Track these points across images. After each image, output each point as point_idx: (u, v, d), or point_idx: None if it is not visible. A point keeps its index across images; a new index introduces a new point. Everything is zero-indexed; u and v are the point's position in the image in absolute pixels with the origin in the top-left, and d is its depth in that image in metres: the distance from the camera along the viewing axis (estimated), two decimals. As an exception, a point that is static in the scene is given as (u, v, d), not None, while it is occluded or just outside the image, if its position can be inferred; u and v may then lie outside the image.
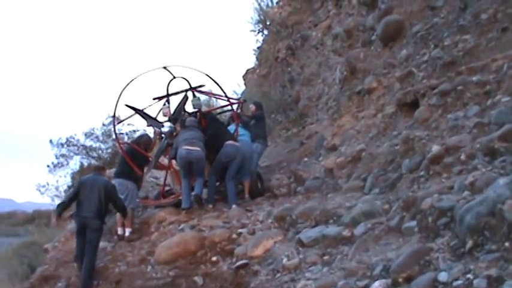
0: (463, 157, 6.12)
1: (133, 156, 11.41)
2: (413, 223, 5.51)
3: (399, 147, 7.90)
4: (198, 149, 10.85)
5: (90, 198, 9.77)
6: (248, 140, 11.79)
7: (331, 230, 6.91)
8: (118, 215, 10.97)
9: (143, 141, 12.08)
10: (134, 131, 22.72)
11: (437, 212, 5.10)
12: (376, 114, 10.26)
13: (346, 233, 6.59)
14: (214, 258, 8.37)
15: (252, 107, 12.62)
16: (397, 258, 4.80)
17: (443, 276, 4.13)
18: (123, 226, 10.96)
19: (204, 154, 10.92)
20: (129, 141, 14.72)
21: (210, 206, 10.70)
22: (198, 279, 8.05)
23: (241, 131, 11.87)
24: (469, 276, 3.93)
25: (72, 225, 13.14)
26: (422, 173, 6.70)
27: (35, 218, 38.69)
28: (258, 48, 22.63)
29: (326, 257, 6.36)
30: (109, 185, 10.09)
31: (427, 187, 6.11)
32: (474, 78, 7.54)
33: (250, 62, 23.59)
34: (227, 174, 11.11)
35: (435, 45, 9.30)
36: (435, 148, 6.64)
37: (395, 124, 9.17)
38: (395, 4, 11.59)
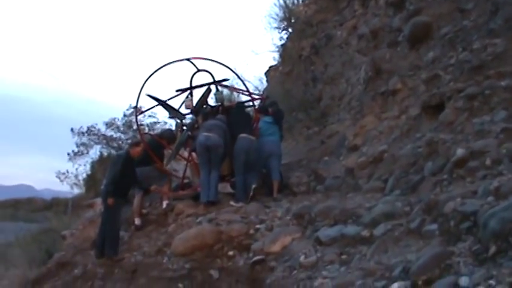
0: (488, 162, 6.04)
1: (154, 148, 11.43)
2: (435, 226, 5.43)
3: (422, 149, 7.81)
4: (216, 135, 10.82)
5: (109, 171, 10.44)
6: (277, 138, 11.68)
7: (350, 229, 6.85)
8: (135, 204, 11.03)
9: (166, 136, 12.13)
10: (155, 122, 22.82)
11: (459, 216, 5.02)
12: (400, 116, 10.16)
13: (365, 233, 6.52)
14: (230, 253, 8.35)
15: (270, 110, 12.40)
16: (417, 260, 4.73)
17: (464, 281, 4.06)
18: (140, 216, 11.00)
19: (221, 141, 10.85)
20: (152, 133, 14.79)
21: (241, 204, 10.46)
22: (214, 273, 8.05)
23: (270, 129, 11.71)
24: (492, 282, 3.85)
25: (89, 213, 13.24)
26: (445, 177, 6.62)
27: (53, 205, 39.04)
28: (281, 45, 22.59)
29: (344, 256, 6.30)
30: (117, 157, 10.70)
31: (450, 191, 6.03)
32: (503, 83, 7.44)
33: (273, 59, 23.53)
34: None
35: (463, 48, 9.19)
36: (460, 152, 6.56)
37: (419, 126, 9.08)
38: (423, 5, 11.46)
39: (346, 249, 6.48)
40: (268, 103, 12.51)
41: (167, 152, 12.35)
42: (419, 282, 4.42)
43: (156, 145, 11.61)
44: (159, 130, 15.18)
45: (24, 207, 43.09)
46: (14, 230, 16.13)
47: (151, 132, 16.78)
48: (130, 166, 10.25)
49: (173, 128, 13.38)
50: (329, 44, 17.60)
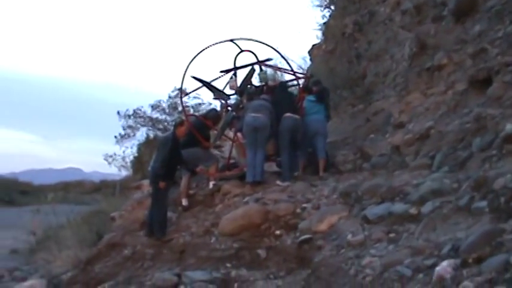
0: (538, 137, 5.94)
1: (199, 129, 11.50)
2: (484, 203, 5.37)
3: (470, 125, 7.70)
4: (263, 116, 10.87)
5: (157, 153, 10.56)
6: (322, 117, 11.66)
7: (398, 207, 6.82)
8: (182, 185, 11.15)
9: (211, 116, 12.17)
10: (200, 103, 22.94)
11: (510, 193, 4.96)
12: (446, 91, 10.01)
13: (413, 210, 6.48)
14: (278, 232, 8.40)
15: (313, 88, 12.33)
16: (467, 238, 4.70)
17: (516, 259, 4.02)
18: (187, 197, 11.12)
19: (268, 122, 10.88)
20: (196, 114, 14.91)
21: (287, 183, 10.49)
22: (262, 252, 8.10)
23: (315, 107, 11.69)
24: (544, 259, 3.81)
25: (137, 194, 13.42)
26: (494, 152, 6.53)
27: (102, 187, 39.80)
28: (324, 23, 22.38)
29: (392, 235, 6.29)
30: (163, 138, 10.90)
31: (499, 167, 5.96)
32: (553, 56, 7.27)
33: (316, 37, 23.32)
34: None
35: (511, 21, 8.99)
36: (509, 127, 6.45)
37: (466, 101, 8.94)
38: (468, -22, 11.22)
39: (394, 227, 6.46)
40: (312, 82, 12.47)
41: (213, 133, 12.45)
42: (470, 260, 4.39)
43: (201, 126, 11.68)
44: (204, 111, 15.33)
45: (74, 189, 44.00)
46: (65, 212, 16.43)
47: (196, 114, 16.89)
48: (177, 147, 10.37)
49: (218, 108, 13.44)
50: (372, 20, 17.39)
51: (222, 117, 12.50)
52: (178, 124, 10.89)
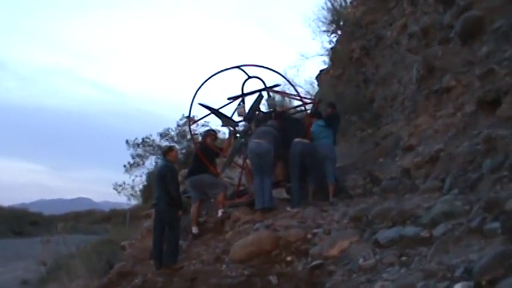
0: (549, 157, 5.89)
1: (207, 154, 11.50)
2: (496, 224, 5.31)
3: (480, 146, 7.66)
4: (265, 142, 10.89)
5: (157, 185, 10.37)
6: (330, 142, 11.63)
7: (409, 230, 6.76)
8: (192, 213, 11.14)
9: (208, 134, 12.22)
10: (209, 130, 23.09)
11: (522, 213, 4.90)
12: (455, 114, 10.00)
13: (424, 233, 6.42)
14: (289, 258, 8.33)
15: (328, 109, 12.37)
16: (480, 260, 4.63)
17: (530, 280, 3.96)
18: (197, 225, 11.09)
19: (272, 148, 10.89)
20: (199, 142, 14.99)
21: (295, 210, 10.39)
22: (273, 279, 8.03)
23: (323, 132, 11.66)
24: (560, 280, 3.75)
25: (147, 223, 13.41)
26: (505, 173, 6.47)
27: (112, 216, 39.87)
28: (331, 48, 22.50)
29: (404, 258, 6.21)
30: (164, 168, 10.46)
31: (510, 187, 5.90)
32: (561, 75, 7.25)
33: (324, 62, 23.45)
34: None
35: (518, 41, 9.00)
36: (519, 147, 6.41)
37: (476, 123, 8.91)
38: (474, 0, 11.25)
39: (406, 250, 6.39)
40: (328, 103, 12.55)
41: (221, 160, 12.46)
42: (483, 283, 4.32)
43: (205, 150, 11.66)
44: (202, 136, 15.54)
45: (84, 219, 44.10)
46: (75, 242, 16.51)
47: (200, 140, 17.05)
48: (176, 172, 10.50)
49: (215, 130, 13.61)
50: (379, 44, 17.49)
51: (229, 143, 12.56)
52: (168, 150, 10.97)
